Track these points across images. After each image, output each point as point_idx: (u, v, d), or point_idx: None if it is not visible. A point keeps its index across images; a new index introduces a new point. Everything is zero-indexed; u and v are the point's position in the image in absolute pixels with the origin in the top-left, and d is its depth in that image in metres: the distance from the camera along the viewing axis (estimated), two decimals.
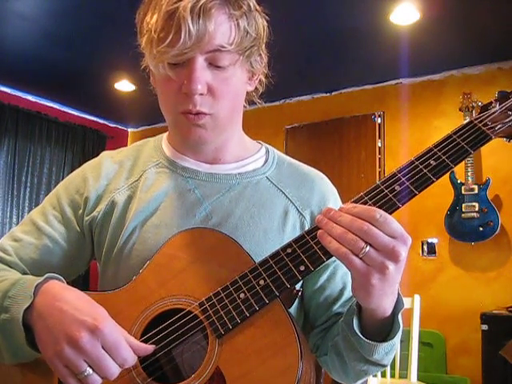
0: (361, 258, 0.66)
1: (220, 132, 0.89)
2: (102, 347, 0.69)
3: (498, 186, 3.52)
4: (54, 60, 3.84)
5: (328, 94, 4.42)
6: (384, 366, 0.81)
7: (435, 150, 0.74)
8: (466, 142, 0.74)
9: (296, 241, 0.74)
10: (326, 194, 0.96)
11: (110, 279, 0.91)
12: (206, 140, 0.88)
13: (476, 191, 3.49)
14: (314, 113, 4.43)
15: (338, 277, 0.93)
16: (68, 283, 0.81)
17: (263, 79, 0.96)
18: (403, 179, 0.73)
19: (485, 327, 2.99)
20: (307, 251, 0.73)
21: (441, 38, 3.33)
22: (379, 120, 4.12)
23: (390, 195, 0.72)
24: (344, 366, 0.85)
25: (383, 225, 0.66)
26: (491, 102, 0.79)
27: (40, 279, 0.77)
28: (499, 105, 0.78)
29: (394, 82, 4.09)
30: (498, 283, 3.51)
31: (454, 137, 0.75)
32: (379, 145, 4.10)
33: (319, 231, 0.70)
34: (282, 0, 2.89)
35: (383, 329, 0.77)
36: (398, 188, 0.72)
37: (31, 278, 0.79)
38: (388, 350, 0.78)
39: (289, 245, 0.74)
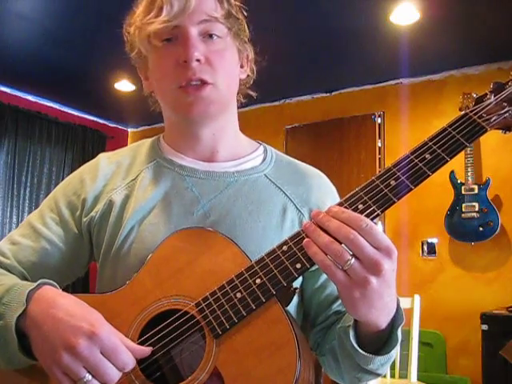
0: (344, 271, 0.65)
1: (221, 108, 0.91)
2: (101, 352, 0.68)
3: (498, 185, 3.52)
4: (54, 60, 3.84)
5: (328, 94, 4.41)
6: (379, 375, 0.81)
7: (430, 143, 0.74)
8: (462, 135, 0.73)
9: (292, 238, 0.74)
10: (324, 191, 0.97)
11: (108, 279, 0.90)
12: (209, 113, 0.89)
13: (476, 191, 3.49)
14: (314, 113, 4.43)
15: None
16: (68, 285, 0.81)
17: (254, 67, 0.99)
18: (398, 174, 0.72)
19: (485, 327, 2.99)
20: (303, 248, 0.72)
21: (441, 38, 3.33)
22: (379, 120, 4.12)
23: (386, 190, 0.72)
24: (339, 370, 0.85)
25: (369, 235, 0.65)
26: (486, 94, 0.78)
27: (33, 286, 0.77)
28: (494, 96, 0.77)
29: (393, 82, 4.09)
30: (498, 283, 3.51)
31: (449, 130, 0.74)
32: (379, 145, 4.10)
33: (305, 240, 0.69)
34: (283, 0, 2.89)
35: (379, 340, 0.76)
36: (393, 183, 0.72)
37: (25, 284, 0.78)
38: (384, 362, 0.77)
39: (285, 242, 0.74)
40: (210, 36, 0.87)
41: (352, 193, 0.73)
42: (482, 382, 3.00)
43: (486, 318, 3.01)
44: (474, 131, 0.73)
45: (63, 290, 0.98)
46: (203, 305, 0.74)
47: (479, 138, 0.74)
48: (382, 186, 0.72)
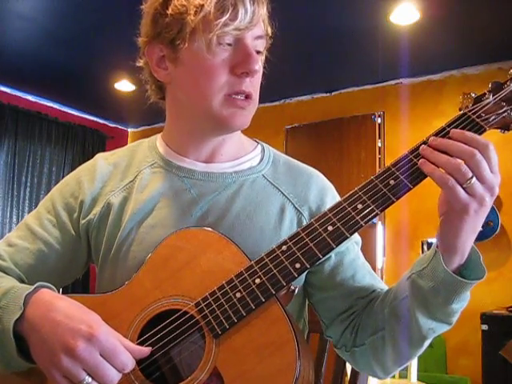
0: (463, 188, 0.67)
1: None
2: (100, 354, 0.68)
3: None
4: (54, 60, 3.84)
5: (328, 94, 4.41)
6: (450, 323, 0.78)
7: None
8: None
9: (291, 238, 0.74)
10: (323, 189, 0.96)
11: (107, 281, 0.90)
12: (246, 126, 0.90)
13: None
14: (314, 113, 4.42)
15: (346, 263, 0.91)
16: (68, 286, 0.81)
17: None
18: (397, 173, 0.73)
19: (485, 327, 2.99)
20: (302, 248, 0.73)
21: (441, 38, 3.33)
22: (379, 120, 4.12)
23: (385, 190, 0.72)
24: (403, 336, 0.80)
25: (491, 157, 0.68)
26: (485, 93, 0.77)
27: (30, 289, 0.76)
28: (493, 96, 0.76)
29: (393, 82, 4.09)
30: (498, 283, 3.50)
31: (448, 129, 0.73)
32: (379, 145, 4.10)
33: (420, 160, 0.71)
34: (282, 0, 2.89)
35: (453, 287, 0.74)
36: (392, 182, 0.72)
37: (22, 287, 0.78)
38: (463, 302, 0.76)
39: (284, 242, 0.74)
40: (257, 52, 0.86)
41: (351, 192, 0.74)
42: (481, 382, 3.00)
43: (485, 318, 3.01)
44: (472, 131, 0.73)
45: (62, 290, 0.98)
46: (202, 305, 0.74)
47: None
48: (380, 186, 0.73)
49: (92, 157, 1.02)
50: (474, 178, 0.67)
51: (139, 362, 0.74)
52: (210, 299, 0.74)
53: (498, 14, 3.00)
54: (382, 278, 3.94)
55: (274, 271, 0.73)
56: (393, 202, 0.72)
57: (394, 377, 2.75)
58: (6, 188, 4.46)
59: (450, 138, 0.71)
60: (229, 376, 0.70)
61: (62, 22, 3.27)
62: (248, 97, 0.86)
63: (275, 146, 1.05)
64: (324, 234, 0.73)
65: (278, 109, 4.61)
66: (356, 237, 0.95)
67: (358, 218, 0.73)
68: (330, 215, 0.74)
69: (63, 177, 1.03)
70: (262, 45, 0.88)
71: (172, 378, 0.77)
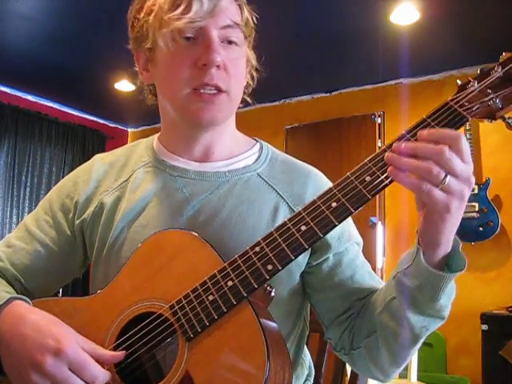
0: (440, 189, 0.64)
1: (228, 115, 0.90)
2: (69, 368, 0.68)
3: (498, 185, 3.51)
4: (54, 60, 3.84)
5: (328, 94, 4.41)
6: (443, 318, 0.76)
7: (408, 135, 0.69)
8: (442, 126, 0.69)
9: (264, 238, 0.72)
10: (320, 188, 0.93)
11: (100, 280, 0.91)
12: (218, 121, 0.88)
13: (476, 191, 3.48)
14: (313, 113, 4.42)
15: (344, 263, 0.89)
16: (68, 286, 0.81)
17: (254, 74, 0.97)
18: (374, 169, 0.69)
19: (485, 327, 2.98)
20: (275, 249, 0.71)
21: (441, 38, 3.33)
22: (379, 120, 4.11)
23: (360, 186, 0.69)
24: (396, 336, 0.78)
25: (462, 149, 0.64)
26: (469, 81, 0.73)
27: (2, 301, 0.77)
28: (478, 83, 0.72)
29: (393, 82, 4.08)
30: (498, 283, 3.50)
31: (429, 120, 0.70)
32: (379, 145, 4.09)
33: (389, 168, 0.66)
34: (283, 0, 2.89)
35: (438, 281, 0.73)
36: (368, 179, 0.69)
37: None
38: (451, 294, 0.74)
39: (257, 243, 0.73)
40: (229, 42, 0.86)
41: (326, 190, 0.71)
42: (481, 382, 2.99)
43: (486, 318, 3.01)
44: (453, 121, 0.69)
45: (62, 290, 0.98)
46: (176, 307, 0.74)
47: (460, 128, 0.70)
48: (356, 183, 0.69)
49: (92, 157, 1.03)
50: (449, 176, 0.63)
51: (116, 364, 0.74)
52: (184, 302, 0.74)
53: (497, 14, 3.00)
54: (382, 278, 3.94)
55: (246, 273, 0.71)
56: (368, 200, 0.68)
57: None
58: (5, 188, 4.46)
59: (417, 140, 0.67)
60: (200, 379, 0.70)
61: (61, 22, 3.27)
62: (218, 90, 0.84)
63: (275, 145, 1.04)
64: (297, 234, 0.71)
65: (277, 109, 4.60)
66: (357, 237, 0.94)
67: (332, 217, 0.70)
68: (303, 214, 0.72)
69: (63, 177, 1.04)
70: (234, 34, 0.86)
71: (148, 380, 0.77)
